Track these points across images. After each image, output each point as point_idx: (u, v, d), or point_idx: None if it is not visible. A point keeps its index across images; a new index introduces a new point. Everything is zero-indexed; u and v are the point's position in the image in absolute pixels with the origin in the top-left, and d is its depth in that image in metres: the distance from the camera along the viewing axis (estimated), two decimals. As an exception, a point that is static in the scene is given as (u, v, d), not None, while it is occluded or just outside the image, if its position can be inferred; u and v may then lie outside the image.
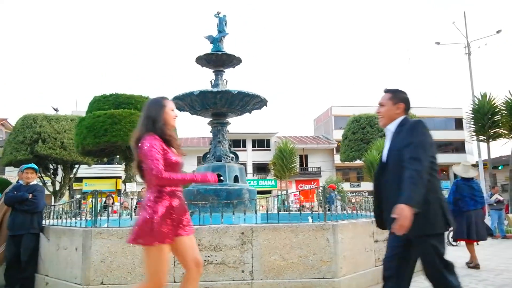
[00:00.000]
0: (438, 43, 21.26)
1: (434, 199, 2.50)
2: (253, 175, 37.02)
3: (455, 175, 6.81)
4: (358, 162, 26.03)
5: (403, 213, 2.30)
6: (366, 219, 5.03)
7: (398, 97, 2.76)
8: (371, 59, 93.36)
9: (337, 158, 33.51)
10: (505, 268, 6.10)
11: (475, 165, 6.79)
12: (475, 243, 6.44)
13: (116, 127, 15.01)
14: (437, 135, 37.92)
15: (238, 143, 36.84)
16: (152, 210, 2.43)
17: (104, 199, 10.12)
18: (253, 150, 37.97)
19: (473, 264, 6.15)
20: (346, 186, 33.70)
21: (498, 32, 19.68)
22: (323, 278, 4.17)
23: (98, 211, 8.20)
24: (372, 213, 5.86)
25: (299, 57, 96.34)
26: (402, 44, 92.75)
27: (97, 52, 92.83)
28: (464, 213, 6.24)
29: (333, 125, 39.39)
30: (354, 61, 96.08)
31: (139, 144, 2.52)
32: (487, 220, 14.64)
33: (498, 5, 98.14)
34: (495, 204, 12.30)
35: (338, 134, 34.48)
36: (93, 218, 4.50)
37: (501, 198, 12.54)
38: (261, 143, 38.00)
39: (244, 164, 35.43)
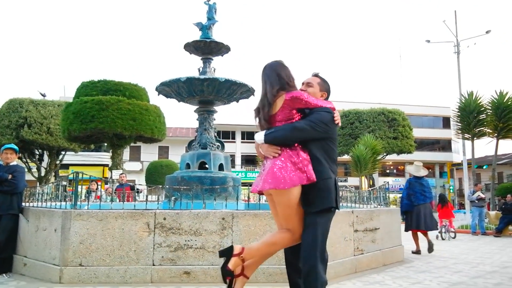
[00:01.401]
0: (429, 41, 21.43)
1: (331, 179, 2.68)
2: (242, 167, 37.06)
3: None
4: (346, 157, 26.22)
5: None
6: (346, 209, 5.09)
7: (325, 86, 2.93)
8: (361, 54, 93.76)
9: (325, 152, 33.56)
10: (481, 262, 6.24)
11: (424, 165, 8.38)
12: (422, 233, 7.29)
13: (104, 114, 14.81)
14: (425, 133, 38.42)
15: (228, 135, 36.77)
16: (287, 160, 2.63)
17: (88, 185, 10.02)
18: (242, 142, 37.97)
19: (416, 250, 7.04)
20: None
21: (487, 32, 19.89)
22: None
23: (84, 196, 8.11)
24: (353, 204, 5.96)
25: (289, 50, 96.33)
26: (392, 41, 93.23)
27: (86, 38, 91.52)
28: (415, 207, 7.19)
29: (322, 120, 39.50)
30: (344, 56, 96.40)
31: (279, 98, 2.66)
32: (468, 216, 14.98)
33: (489, 6, 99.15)
34: (476, 201, 12.49)
35: (327, 129, 34.55)
36: (73, 199, 4.47)
37: (483, 196, 12.72)
38: (250, 135, 37.89)
39: (233, 156, 35.48)
